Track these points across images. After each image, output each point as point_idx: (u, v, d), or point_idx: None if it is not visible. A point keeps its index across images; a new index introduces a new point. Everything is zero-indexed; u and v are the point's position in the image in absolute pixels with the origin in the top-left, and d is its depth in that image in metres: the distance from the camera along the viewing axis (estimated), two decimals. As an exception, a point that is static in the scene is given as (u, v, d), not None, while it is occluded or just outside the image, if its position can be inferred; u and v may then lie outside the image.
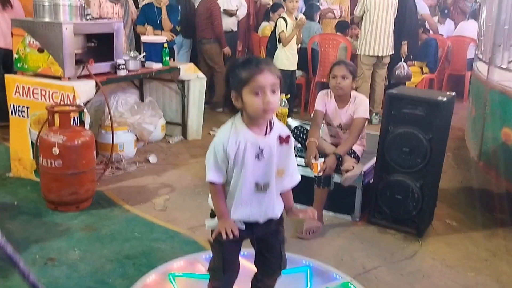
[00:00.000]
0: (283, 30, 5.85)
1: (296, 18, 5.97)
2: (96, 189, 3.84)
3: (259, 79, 1.89)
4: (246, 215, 2.06)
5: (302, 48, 6.52)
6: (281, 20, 5.91)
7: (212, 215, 2.12)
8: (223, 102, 2.14)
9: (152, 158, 4.74)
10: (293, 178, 2.16)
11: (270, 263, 2.21)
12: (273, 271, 2.24)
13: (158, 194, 3.99)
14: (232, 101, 1.97)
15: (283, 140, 2.04)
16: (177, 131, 5.47)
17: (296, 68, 6.17)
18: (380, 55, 6.17)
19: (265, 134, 2.01)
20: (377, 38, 6.07)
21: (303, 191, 3.40)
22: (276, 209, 2.12)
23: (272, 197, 2.08)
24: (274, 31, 6.11)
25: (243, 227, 2.06)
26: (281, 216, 2.18)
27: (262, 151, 1.98)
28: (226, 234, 1.95)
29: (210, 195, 2.09)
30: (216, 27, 6.45)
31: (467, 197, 4.16)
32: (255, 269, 2.27)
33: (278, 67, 6.33)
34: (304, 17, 6.02)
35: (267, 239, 2.17)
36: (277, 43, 5.98)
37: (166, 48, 4.95)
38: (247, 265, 2.24)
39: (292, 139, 2.09)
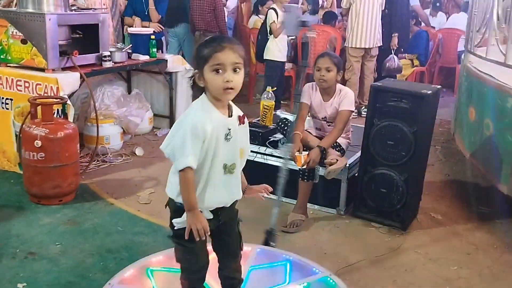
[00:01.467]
0: (274, 21, 5.83)
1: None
2: (81, 182, 3.80)
3: (219, 56, 1.87)
4: (218, 201, 2.04)
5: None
6: (272, 11, 5.89)
7: (174, 206, 2.04)
8: None
9: (139, 151, 4.71)
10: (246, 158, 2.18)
11: (229, 246, 2.20)
12: (234, 253, 2.23)
13: (143, 187, 3.96)
14: (196, 80, 1.96)
15: (241, 120, 2.05)
16: (165, 124, 5.43)
17: (286, 59, 6.17)
18: (367, 47, 6.13)
19: (229, 115, 2.01)
20: (364, 30, 6.03)
21: (288, 184, 3.38)
22: (240, 189, 2.13)
23: (238, 178, 2.09)
24: (264, 23, 6.09)
25: (210, 216, 2.04)
26: None
27: (230, 131, 1.98)
28: (199, 234, 1.92)
29: (173, 183, 2.01)
30: (221, 21, 6.49)
31: (453, 190, 4.16)
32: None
33: (270, 59, 6.24)
34: None
35: (228, 223, 2.15)
36: (268, 34, 5.96)
37: (153, 39, 4.91)
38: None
39: (246, 118, 2.10)
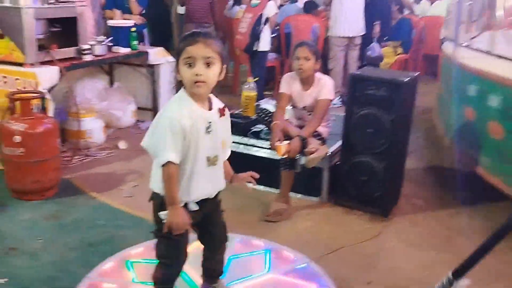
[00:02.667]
0: (275, 13, 5.88)
1: None
2: (63, 177, 3.78)
3: (190, 49, 1.89)
4: (203, 193, 2.06)
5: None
6: (272, 2, 5.94)
7: (159, 200, 2.02)
8: None
9: (122, 145, 4.69)
10: (229, 148, 2.22)
11: (215, 236, 2.24)
12: (220, 243, 2.27)
13: (126, 180, 3.95)
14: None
15: (222, 112, 2.06)
16: (148, 117, 5.39)
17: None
18: (351, 35, 6.14)
19: (209, 109, 2.02)
20: (348, 18, 6.03)
21: (270, 174, 3.41)
22: (223, 180, 2.16)
23: (221, 169, 2.12)
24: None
25: (196, 207, 2.05)
26: None
27: (210, 124, 1.99)
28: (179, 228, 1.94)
29: (157, 178, 1.99)
30: (217, 14, 6.51)
31: (435, 176, 4.20)
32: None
33: (262, 49, 6.18)
34: None
35: (212, 214, 2.18)
36: (263, 25, 5.95)
37: (133, 32, 4.88)
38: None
39: (227, 110, 2.11)
